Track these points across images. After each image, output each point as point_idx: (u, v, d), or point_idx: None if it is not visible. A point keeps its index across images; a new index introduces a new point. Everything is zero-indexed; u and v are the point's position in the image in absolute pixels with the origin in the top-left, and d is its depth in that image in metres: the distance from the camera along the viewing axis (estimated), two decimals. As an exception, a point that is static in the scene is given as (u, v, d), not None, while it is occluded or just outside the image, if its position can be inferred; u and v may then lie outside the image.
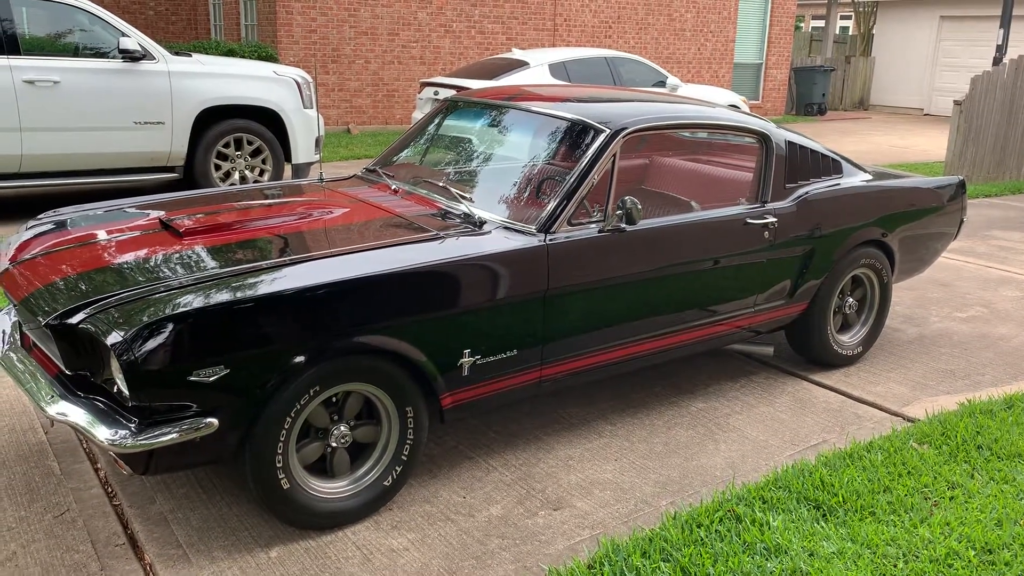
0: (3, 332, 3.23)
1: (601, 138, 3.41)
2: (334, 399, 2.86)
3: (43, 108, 6.90)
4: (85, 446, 3.40)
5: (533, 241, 3.16)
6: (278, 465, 2.70)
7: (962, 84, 19.49)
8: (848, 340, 4.46)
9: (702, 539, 2.80)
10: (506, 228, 3.23)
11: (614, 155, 3.40)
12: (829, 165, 4.26)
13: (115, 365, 2.47)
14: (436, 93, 10.56)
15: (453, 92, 10.31)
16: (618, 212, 3.29)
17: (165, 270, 2.80)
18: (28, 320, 2.92)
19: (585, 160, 3.36)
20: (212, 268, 2.78)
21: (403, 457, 2.99)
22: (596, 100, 3.87)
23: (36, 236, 3.31)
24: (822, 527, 2.90)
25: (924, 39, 22.00)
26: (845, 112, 22.35)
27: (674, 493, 3.21)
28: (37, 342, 2.94)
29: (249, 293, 2.60)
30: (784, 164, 4.00)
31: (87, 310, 2.57)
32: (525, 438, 3.59)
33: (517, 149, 3.71)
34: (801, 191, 4.04)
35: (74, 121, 7.08)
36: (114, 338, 2.42)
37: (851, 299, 4.43)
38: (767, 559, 2.72)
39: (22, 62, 6.80)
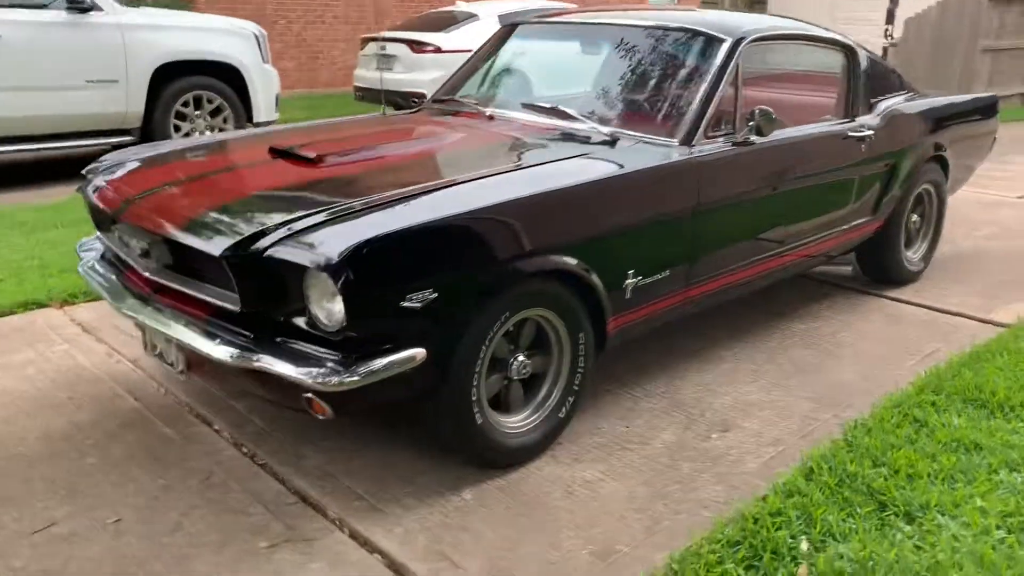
0: (100, 284, 2.84)
1: (725, 47, 3.26)
2: (510, 329, 2.64)
3: (-16, 66, 6.20)
4: (190, 408, 3.05)
5: (680, 154, 3.00)
6: (473, 399, 2.47)
7: (861, 37, 20.25)
8: (913, 256, 4.50)
9: (898, 444, 2.74)
10: (645, 143, 3.05)
11: (738, 64, 3.26)
12: (897, 81, 4.26)
13: (318, 294, 2.18)
14: (383, 48, 10.13)
15: (404, 46, 9.94)
16: (749, 124, 3.17)
17: (329, 195, 2.50)
18: (160, 259, 2.57)
19: (713, 70, 3.21)
20: (382, 190, 2.49)
21: (575, 387, 2.80)
22: (683, 17, 3.72)
23: (127, 174, 2.92)
24: (1005, 424, 2.89)
25: (818, -7, 22.68)
26: (748, 67, 22.89)
27: (830, 407, 3.14)
28: (170, 283, 2.56)
29: (448, 211, 2.35)
30: (868, 79, 3.97)
31: (270, 237, 2.25)
32: (654, 367, 3.44)
33: (622, 65, 3.49)
34: (882, 105, 4.02)
35: (19, 80, 6.38)
36: (324, 263, 2.11)
37: (915, 216, 4.47)
38: (972, 456, 2.68)
39: (-42, 14, 6.08)
